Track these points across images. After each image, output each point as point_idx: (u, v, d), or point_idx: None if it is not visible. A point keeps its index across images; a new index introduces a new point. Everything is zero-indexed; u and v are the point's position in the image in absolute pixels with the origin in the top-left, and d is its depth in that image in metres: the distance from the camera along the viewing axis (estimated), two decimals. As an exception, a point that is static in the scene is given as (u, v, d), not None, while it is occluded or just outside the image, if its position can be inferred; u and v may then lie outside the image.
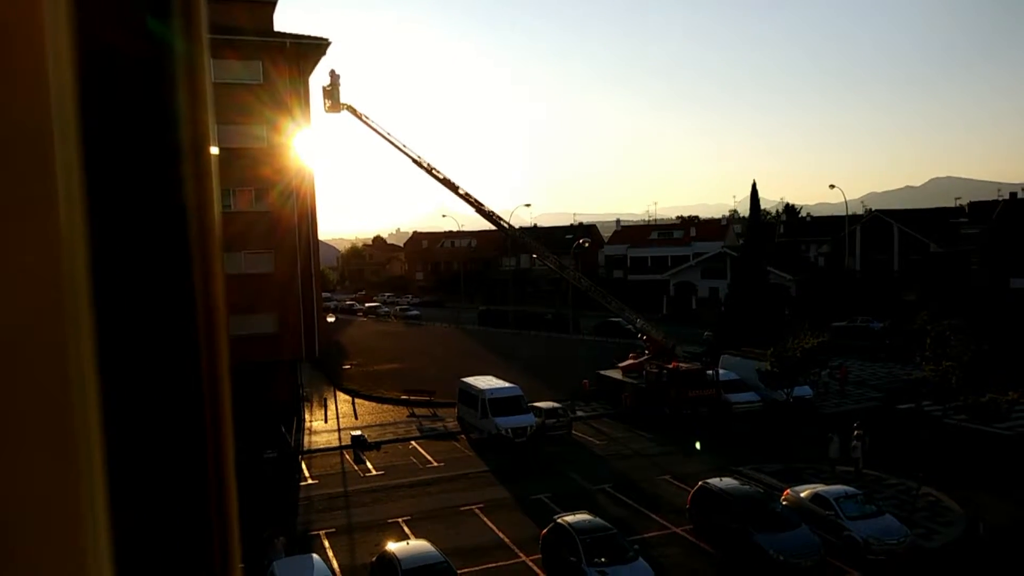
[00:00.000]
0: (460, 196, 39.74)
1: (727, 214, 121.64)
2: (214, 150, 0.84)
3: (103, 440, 0.69)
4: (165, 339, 0.76)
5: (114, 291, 0.72)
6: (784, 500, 22.25)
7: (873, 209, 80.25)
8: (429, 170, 39.72)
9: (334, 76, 39.26)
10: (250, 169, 34.11)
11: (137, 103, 0.75)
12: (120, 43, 0.72)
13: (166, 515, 0.77)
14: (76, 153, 0.66)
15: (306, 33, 35.21)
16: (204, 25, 0.80)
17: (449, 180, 39.72)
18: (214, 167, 0.83)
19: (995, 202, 73.28)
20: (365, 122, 39.31)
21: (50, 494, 0.65)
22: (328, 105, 39.19)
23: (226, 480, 0.81)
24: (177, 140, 0.77)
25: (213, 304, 0.79)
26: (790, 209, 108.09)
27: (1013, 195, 72.00)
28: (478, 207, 40.10)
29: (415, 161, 39.48)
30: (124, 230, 0.74)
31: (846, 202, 65.77)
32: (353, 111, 39.34)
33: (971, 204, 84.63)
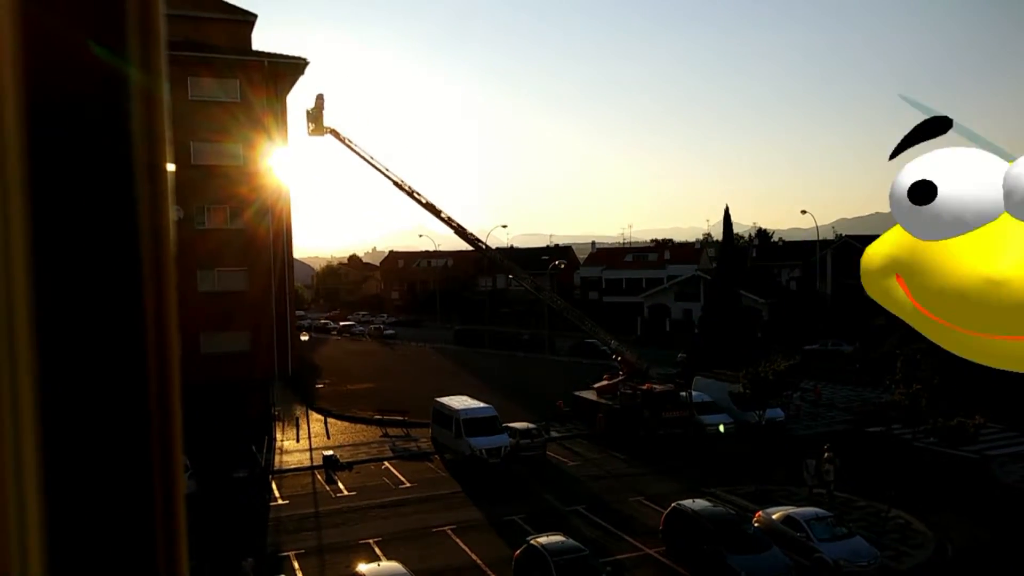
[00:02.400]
0: (442, 220, 39.68)
1: (700, 238, 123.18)
2: (170, 167, 0.85)
3: (40, 458, 0.68)
4: (111, 360, 0.76)
5: (58, 307, 0.72)
6: (756, 522, 22.32)
7: (843, 234, 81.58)
8: (411, 193, 39.61)
9: (320, 100, 38.89)
10: (225, 187, 33.90)
11: (87, 124, 0.75)
12: (70, 65, 0.72)
13: (108, 539, 0.77)
14: (17, 174, 0.66)
15: (284, 53, 35.21)
16: (162, 48, 0.81)
17: (431, 204, 39.65)
18: (170, 188, 0.83)
19: (961, 229, 74.80)
20: (349, 146, 39.08)
21: None
22: (312, 128, 38.91)
23: (175, 507, 0.81)
24: (131, 162, 0.77)
25: (164, 324, 0.79)
26: (762, 234, 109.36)
27: (979, 222, 73.39)
28: (459, 229, 40.08)
29: (397, 185, 39.34)
30: (72, 250, 0.74)
31: (817, 227, 66.80)
32: (336, 135, 39.11)
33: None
